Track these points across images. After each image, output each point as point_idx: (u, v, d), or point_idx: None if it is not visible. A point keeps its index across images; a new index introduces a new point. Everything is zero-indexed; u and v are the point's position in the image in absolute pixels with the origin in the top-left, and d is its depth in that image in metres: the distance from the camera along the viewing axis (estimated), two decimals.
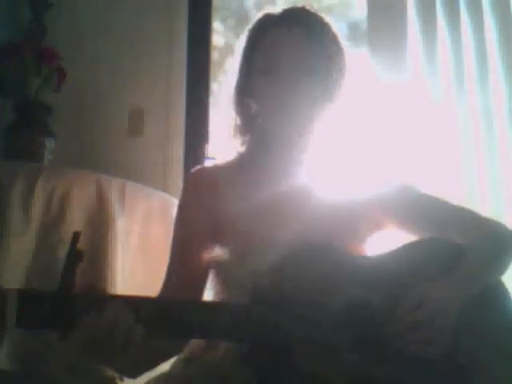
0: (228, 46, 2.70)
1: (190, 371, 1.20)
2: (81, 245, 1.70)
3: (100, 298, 0.97)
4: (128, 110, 2.52)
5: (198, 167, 1.35)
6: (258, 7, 2.60)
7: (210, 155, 2.49)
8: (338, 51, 1.30)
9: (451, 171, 1.95)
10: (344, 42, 1.32)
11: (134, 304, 0.96)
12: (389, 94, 2.03)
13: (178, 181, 2.43)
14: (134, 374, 1.13)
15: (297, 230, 1.21)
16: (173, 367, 1.25)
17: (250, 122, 1.32)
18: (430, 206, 1.32)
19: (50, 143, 2.25)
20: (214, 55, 2.60)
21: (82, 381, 1.70)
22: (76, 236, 0.95)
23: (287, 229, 1.21)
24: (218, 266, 1.25)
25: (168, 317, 0.97)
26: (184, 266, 1.26)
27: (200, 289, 1.26)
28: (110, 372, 1.69)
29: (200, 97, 2.53)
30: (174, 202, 2.19)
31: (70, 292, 0.93)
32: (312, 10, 1.32)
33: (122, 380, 1.72)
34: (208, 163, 1.36)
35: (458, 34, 2.01)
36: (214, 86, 2.57)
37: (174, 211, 2.09)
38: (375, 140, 1.93)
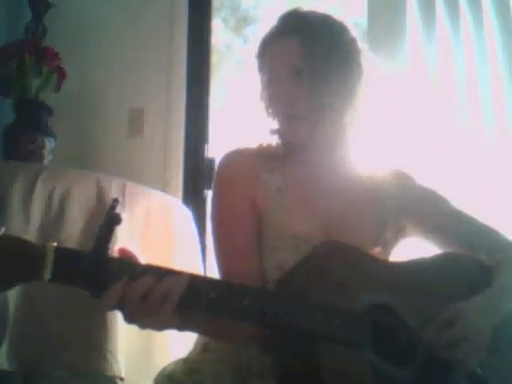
0: (228, 45, 2.70)
1: (206, 357, 1.22)
2: (82, 239, 1.72)
3: (135, 263, 0.97)
4: (128, 110, 2.52)
5: (233, 150, 1.33)
6: (258, 7, 2.61)
7: (209, 155, 2.49)
8: (339, 51, 1.26)
9: (452, 162, 1.96)
10: (351, 37, 1.28)
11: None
12: (389, 89, 2.03)
13: (177, 181, 2.44)
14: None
15: (327, 229, 1.23)
16: (191, 353, 1.26)
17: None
18: (459, 220, 1.32)
19: (50, 143, 2.25)
20: (214, 55, 2.60)
21: (82, 381, 1.70)
22: (115, 202, 0.95)
23: (318, 227, 1.23)
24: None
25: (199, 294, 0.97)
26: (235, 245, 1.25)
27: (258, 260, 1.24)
28: (109, 372, 1.70)
29: (200, 97, 2.54)
30: (174, 202, 2.20)
31: (104, 254, 0.94)
32: (306, 12, 1.30)
33: (121, 380, 1.72)
34: (241, 147, 1.32)
35: (458, 31, 2.02)
36: (214, 86, 2.58)
37: (174, 211, 2.13)
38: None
